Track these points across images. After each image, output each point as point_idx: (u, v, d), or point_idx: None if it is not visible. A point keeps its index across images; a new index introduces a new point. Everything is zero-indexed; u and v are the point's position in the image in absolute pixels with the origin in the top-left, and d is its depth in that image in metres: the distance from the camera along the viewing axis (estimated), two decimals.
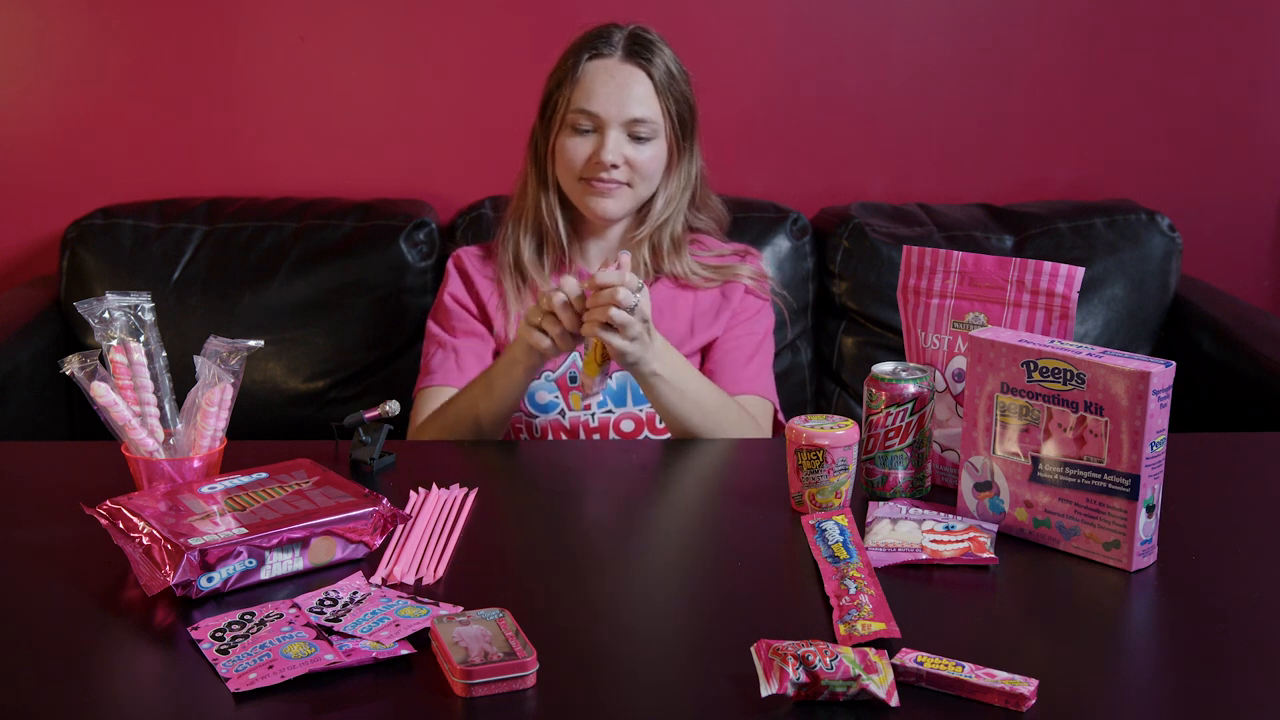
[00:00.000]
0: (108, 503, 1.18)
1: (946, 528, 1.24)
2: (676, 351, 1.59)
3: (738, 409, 1.66)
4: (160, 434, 1.30)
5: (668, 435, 1.75)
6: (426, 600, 1.09)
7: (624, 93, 1.69)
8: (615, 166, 1.69)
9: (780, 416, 1.79)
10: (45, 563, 1.20)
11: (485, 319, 1.79)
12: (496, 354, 1.78)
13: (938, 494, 1.37)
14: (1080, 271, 1.32)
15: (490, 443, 1.61)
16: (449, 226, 2.30)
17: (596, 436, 1.74)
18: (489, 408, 1.61)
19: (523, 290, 1.78)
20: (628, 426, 1.75)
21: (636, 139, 1.71)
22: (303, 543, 1.15)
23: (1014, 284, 1.35)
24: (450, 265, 1.85)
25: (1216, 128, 2.49)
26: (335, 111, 2.41)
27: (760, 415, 1.72)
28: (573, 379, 1.74)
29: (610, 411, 1.75)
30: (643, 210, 1.78)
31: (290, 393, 2.21)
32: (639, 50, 1.71)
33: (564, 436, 1.74)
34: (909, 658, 0.99)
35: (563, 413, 1.74)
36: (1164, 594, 1.16)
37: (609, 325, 1.45)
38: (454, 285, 1.82)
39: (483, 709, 0.95)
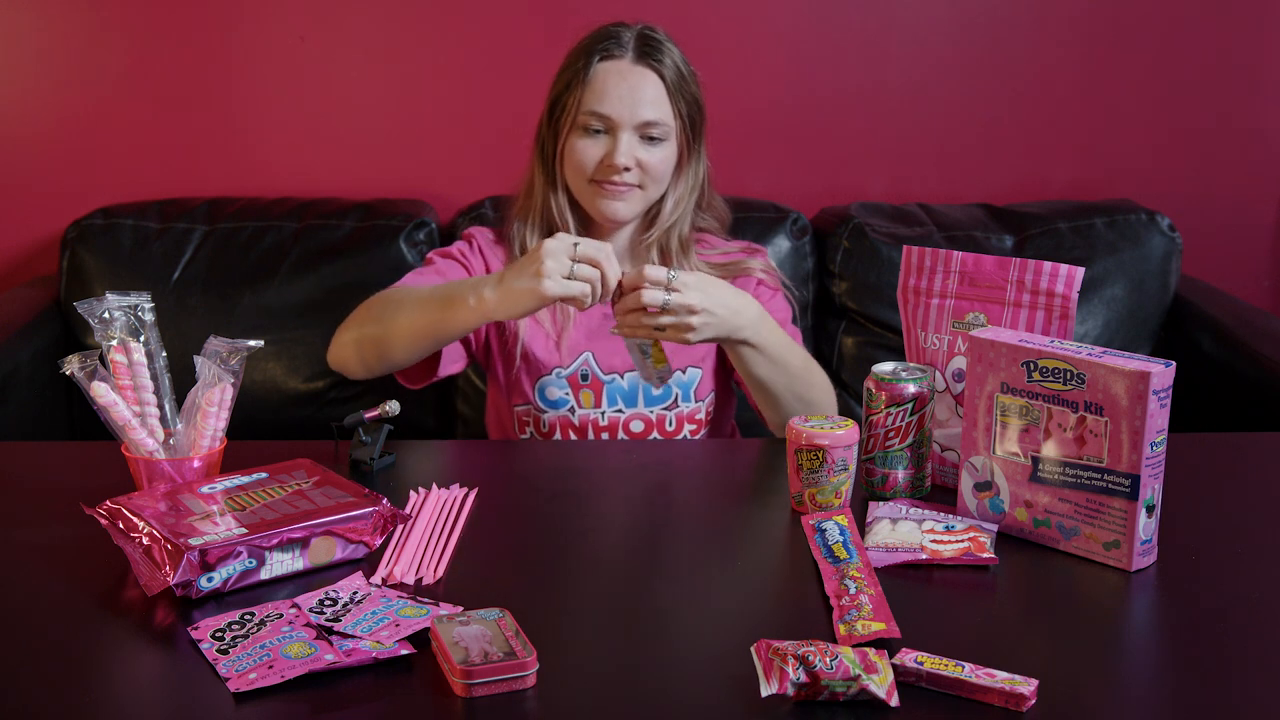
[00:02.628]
0: (108, 503, 1.18)
1: (946, 528, 1.24)
2: (768, 317, 1.55)
3: (819, 368, 1.65)
4: (160, 434, 1.30)
5: (677, 436, 1.75)
6: (426, 600, 1.09)
7: (636, 95, 1.68)
8: (627, 169, 1.69)
9: None
10: (45, 563, 1.20)
11: None
12: (486, 337, 1.78)
13: (938, 494, 1.37)
14: (1080, 271, 1.32)
15: (490, 443, 1.61)
16: (449, 226, 2.30)
17: (605, 436, 1.74)
18: (446, 315, 1.52)
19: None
20: (637, 427, 1.74)
21: (648, 140, 1.70)
22: (303, 543, 1.15)
23: (1014, 284, 1.35)
24: (465, 237, 1.83)
25: (1216, 128, 2.49)
26: (335, 111, 2.42)
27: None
28: (584, 376, 1.74)
29: (620, 411, 1.74)
30: (651, 212, 1.78)
31: (290, 393, 2.21)
32: (650, 51, 1.70)
33: (572, 434, 1.74)
34: (909, 658, 0.99)
35: (572, 410, 1.74)
36: (1164, 594, 1.16)
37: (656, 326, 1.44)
38: (471, 251, 1.80)
39: (483, 709, 0.95)
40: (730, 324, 1.49)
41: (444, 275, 1.74)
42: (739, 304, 1.51)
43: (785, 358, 1.56)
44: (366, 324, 1.63)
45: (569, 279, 1.42)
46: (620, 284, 1.44)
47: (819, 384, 1.62)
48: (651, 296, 1.42)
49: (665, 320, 1.44)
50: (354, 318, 1.66)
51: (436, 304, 1.54)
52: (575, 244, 1.43)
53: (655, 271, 1.43)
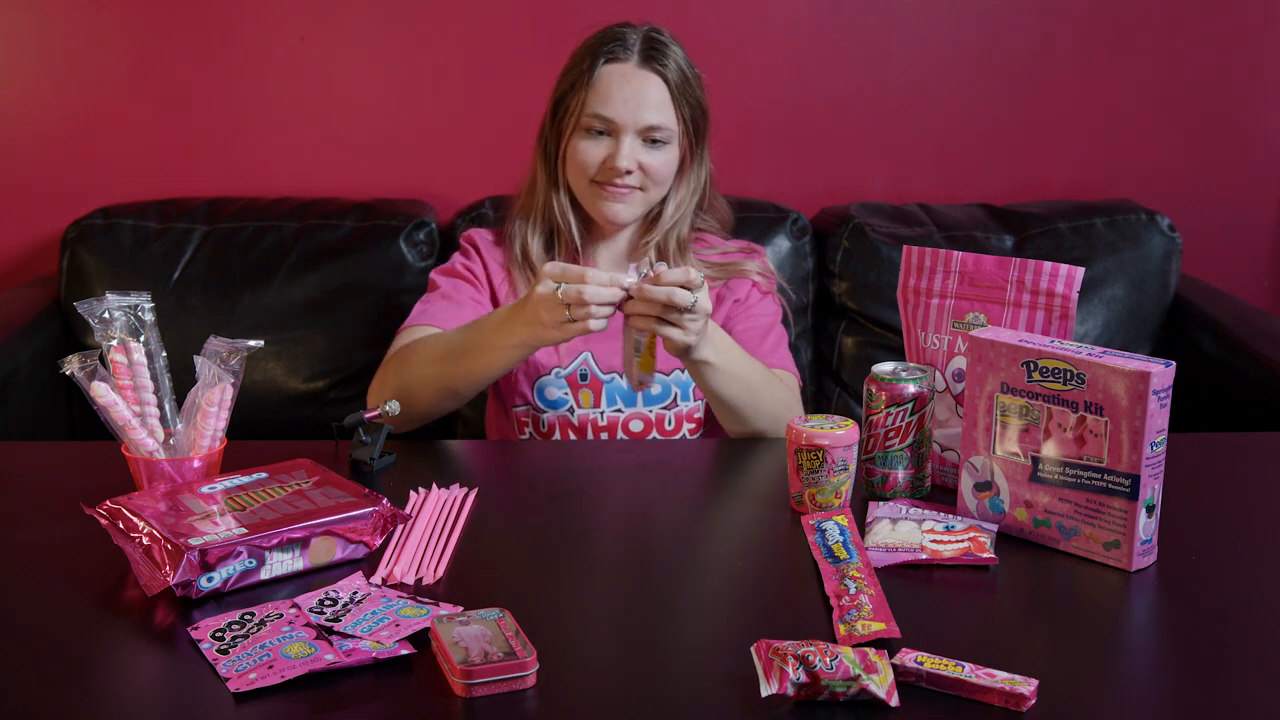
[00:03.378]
0: (108, 503, 1.18)
1: (946, 528, 1.24)
2: (724, 333, 1.56)
3: (780, 382, 1.65)
4: (160, 434, 1.30)
5: (676, 436, 1.75)
6: (426, 600, 1.09)
7: (640, 99, 1.68)
8: (629, 172, 1.69)
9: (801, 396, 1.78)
10: (45, 563, 1.20)
11: (494, 301, 1.79)
12: None
13: (938, 494, 1.37)
14: (1080, 271, 1.32)
15: (490, 443, 1.61)
16: (449, 226, 2.30)
17: (604, 435, 1.74)
18: (470, 368, 1.54)
19: (535, 280, 1.77)
20: (636, 426, 1.74)
21: (651, 143, 1.70)
22: (303, 543, 1.15)
23: (1014, 284, 1.35)
24: (464, 244, 1.84)
25: (1216, 128, 2.49)
26: (335, 111, 2.42)
27: (790, 386, 1.72)
28: (583, 376, 1.74)
29: (619, 411, 1.74)
30: (652, 214, 1.78)
31: (290, 393, 2.21)
32: (655, 55, 1.70)
33: (571, 434, 1.74)
34: (909, 658, 0.99)
35: (571, 410, 1.74)
36: (1164, 594, 1.16)
37: (664, 319, 1.42)
38: (471, 260, 1.81)
39: (483, 709, 0.95)
40: (712, 344, 1.49)
41: (450, 298, 1.74)
42: (716, 327, 1.52)
43: (745, 374, 1.56)
44: (387, 386, 1.61)
45: (569, 323, 1.41)
46: (656, 275, 1.40)
47: (780, 397, 1.62)
48: (684, 297, 1.40)
49: (686, 319, 1.42)
50: (379, 378, 1.65)
51: (457, 355, 1.55)
52: (560, 290, 1.41)
53: (698, 276, 1.41)
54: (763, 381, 1.59)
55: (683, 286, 1.39)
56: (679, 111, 1.71)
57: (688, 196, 1.77)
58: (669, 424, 1.75)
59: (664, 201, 1.76)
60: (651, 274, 1.41)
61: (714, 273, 1.80)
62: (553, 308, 1.41)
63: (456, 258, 1.82)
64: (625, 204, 1.71)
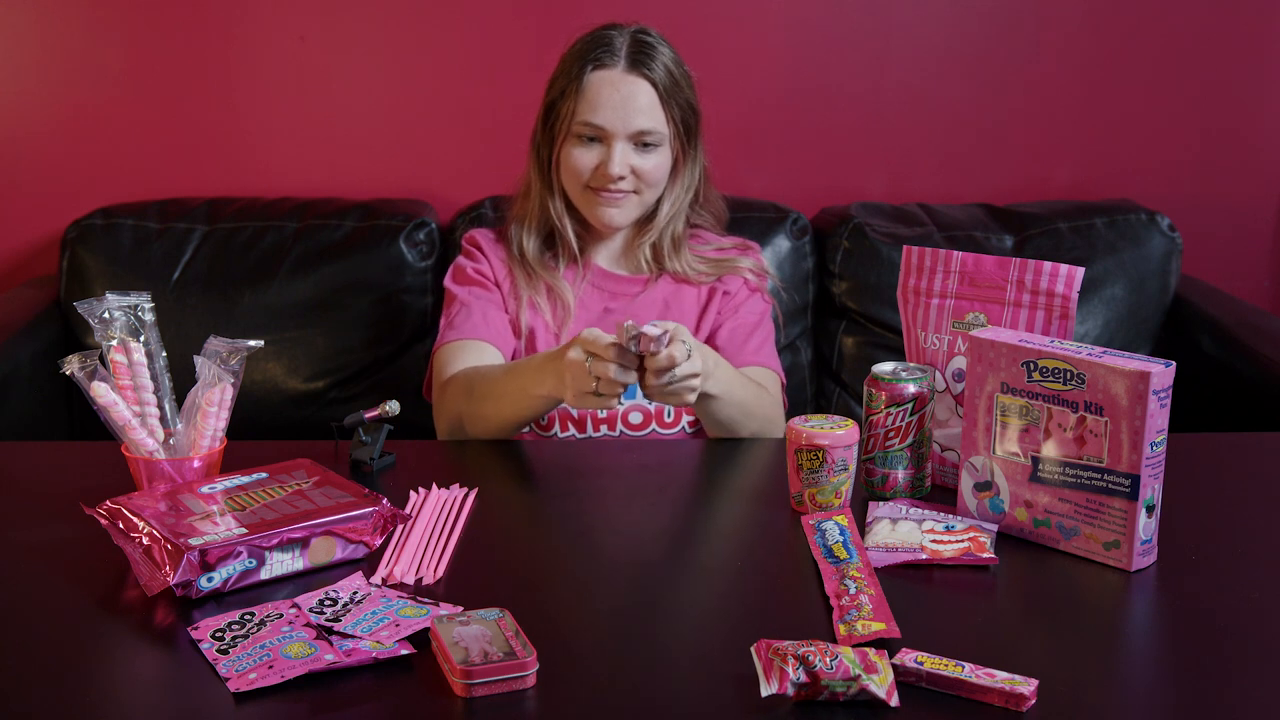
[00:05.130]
0: (108, 503, 1.19)
1: (946, 528, 1.24)
2: (721, 361, 1.56)
3: (766, 391, 1.67)
4: (160, 434, 1.30)
5: (674, 430, 1.75)
6: (426, 600, 1.09)
7: (629, 105, 1.69)
8: (622, 178, 1.70)
9: (784, 394, 1.79)
10: (45, 563, 1.20)
11: (501, 297, 1.80)
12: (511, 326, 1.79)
13: (938, 494, 1.37)
14: (1080, 271, 1.32)
15: (490, 443, 1.61)
16: (449, 226, 2.30)
17: (604, 428, 1.74)
18: (514, 412, 1.58)
19: (535, 278, 1.78)
20: (636, 418, 1.75)
21: (642, 147, 1.71)
22: (303, 543, 1.15)
23: (1014, 284, 1.35)
24: (468, 245, 1.85)
25: (1216, 127, 2.49)
26: (335, 111, 2.41)
27: (770, 386, 1.73)
28: None
29: (619, 403, 1.75)
30: (647, 214, 1.79)
31: (290, 393, 2.21)
32: (642, 60, 1.71)
33: (571, 427, 1.74)
34: (909, 658, 0.99)
35: None
36: (1164, 594, 1.16)
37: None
38: (476, 259, 1.82)
39: (483, 709, 0.95)
40: (712, 377, 1.49)
41: (469, 305, 1.75)
42: (713, 355, 1.52)
43: (740, 399, 1.58)
44: (445, 415, 1.66)
45: (593, 396, 1.41)
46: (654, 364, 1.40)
47: (767, 412, 1.64)
48: (657, 383, 1.40)
49: (672, 388, 1.42)
50: (437, 408, 1.69)
51: (499, 394, 1.58)
52: (589, 366, 1.40)
53: (680, 352, 1.39)
54: (754, 400, 1.62)
55: (665, 369, 1.38)
56: (668, 114, 1.72)
57: (682, 194, 1.79)
58: (668, 415, 1.75)
59: (659, 201, 1.78)
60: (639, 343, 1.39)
61: (708, 268, 1.82)
62: (579, 377, 1.41)
63: (465, 262, 1.82)
64: (620, 208, 1.73)
